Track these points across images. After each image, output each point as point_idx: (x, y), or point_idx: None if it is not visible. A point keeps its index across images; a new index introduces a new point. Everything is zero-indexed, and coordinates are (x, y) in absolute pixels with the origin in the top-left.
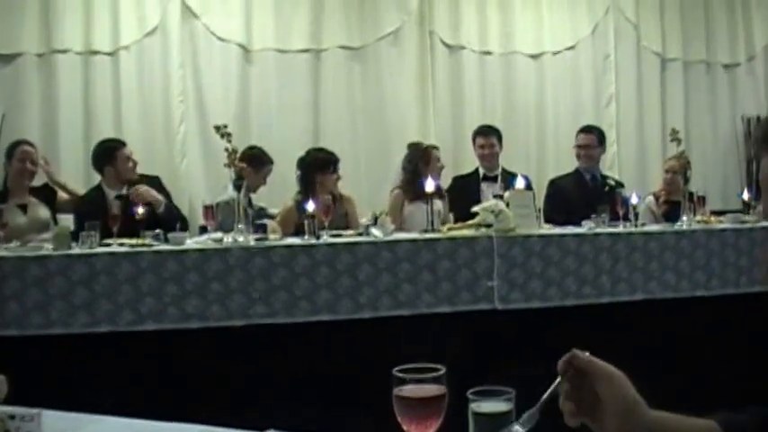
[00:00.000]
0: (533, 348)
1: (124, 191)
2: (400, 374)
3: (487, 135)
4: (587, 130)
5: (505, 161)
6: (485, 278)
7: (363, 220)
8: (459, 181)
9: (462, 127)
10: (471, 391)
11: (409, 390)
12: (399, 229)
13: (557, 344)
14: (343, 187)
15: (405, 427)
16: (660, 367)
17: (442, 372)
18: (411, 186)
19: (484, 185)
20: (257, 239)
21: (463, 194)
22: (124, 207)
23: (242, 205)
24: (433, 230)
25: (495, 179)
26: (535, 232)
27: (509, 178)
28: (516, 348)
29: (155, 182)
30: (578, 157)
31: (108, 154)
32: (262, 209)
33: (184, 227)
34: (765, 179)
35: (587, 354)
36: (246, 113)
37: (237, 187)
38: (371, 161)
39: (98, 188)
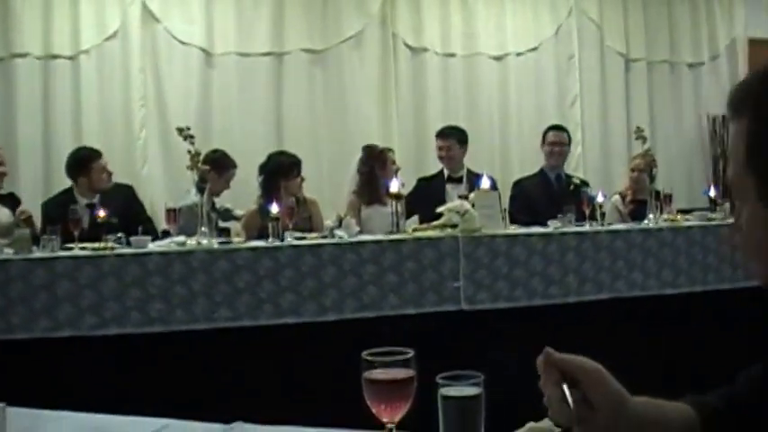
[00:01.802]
0: (501, 349)
1: (96, 200)
2: (369, 358)
3: (446, 137)
4: (558, 127)
5: (470, 162)
6: (450, 279)
7: (328, 222)
8: (423, 182)
9: (426, 129)
10: (440, 375)
11: (378, 373)
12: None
13: (524, 344)
14: (307, 189)
15: (374, 411)
16: (629, 366)
17: (410, 355)
18: (366, 189)
19: (449, 187)
20: (221, 243)
21: (428, 196)
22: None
23: (205, 209)
24: (398, 231)
25: (459, 180)
26: (501, 232)
27: (474, 179)
28: (483, 350)
29: (128, 191)
30: (549, 154)
31: (83, 164)
32: (227, 210)
33: (148, 230)
34: (733, 147)
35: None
36: (208, 117)
37: (201, 190)
38: (334, 163)
39: (68, 193)
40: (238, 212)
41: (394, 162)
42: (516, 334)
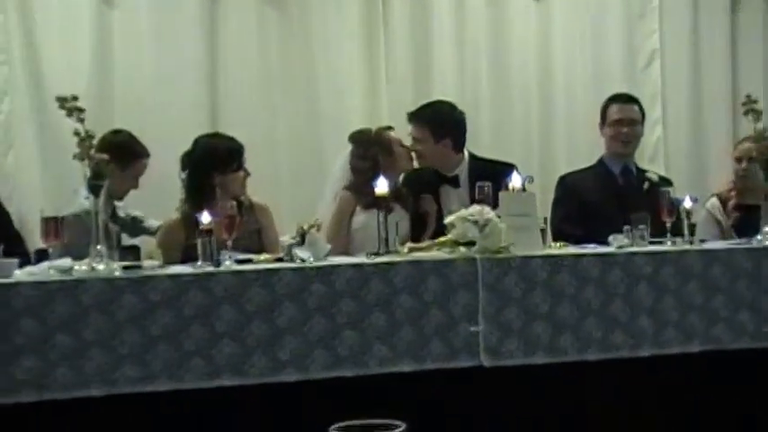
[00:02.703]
0: (537, 425)
1: None
2: None
3: (417, 123)
4: (627, 98)
5: (495, 149)
6: (465, 321)
7: (285, 238)
8: (412, 177)
9: (429, 98)
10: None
11: None
12: (343, 250)
13: (573, 418)
14: (255, 191)
15: None
16: None
17: (400, 430)
18: (369, 187)
19: (444, 190)
20: (126, 268)
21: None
22: None
23: (101, 218)
24: (389, 251)
25: (454, 182)
26: (539, 253)
27: (485, 169)
28: (510, 425)
29: None
30: (613, 138)
31: None
32: (136, 219)
33: (14, 250)
34: None
35: None
36: (107, 82)
37: (94, 190)
38: (296, 153)
39: None
40: (153, 223)
41: (402, 144)
42: (559, 402)
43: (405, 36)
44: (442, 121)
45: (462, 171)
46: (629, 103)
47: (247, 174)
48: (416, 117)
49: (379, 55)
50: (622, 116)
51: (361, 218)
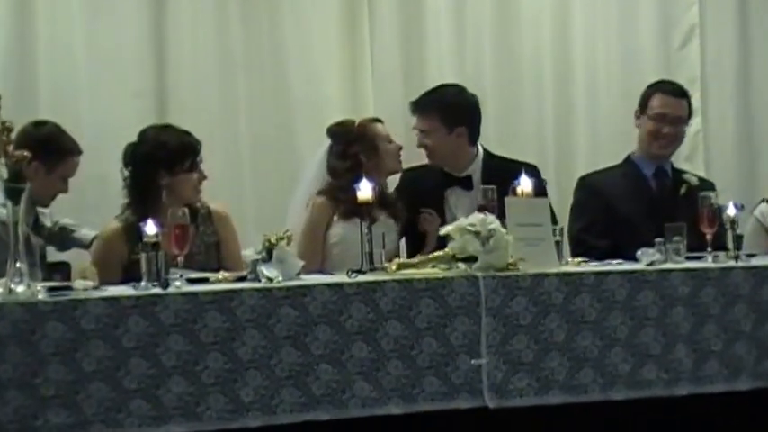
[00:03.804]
0: None
1: None
2: None
3: (423, 112)
4: (676, 90)
5: (502, 148)
6: (465, 353)
7: (248, 252)
8: (410, 178)
9: (424, 88)
10: None
11: None
12: (317, 267)
13: None
14: (213, 196)
15: None
16: None
17: None
18: (348, 193)
19: (451, 193)
20: (52, 290)
21: (419, 202)
22: None
23: (22, 228)
24: (374, 269)
25: (466, 183)
26: (554, 270)
27: (500, 168)
28: None
29: None
30: (653, 136)
31: None
32: (65, 229)
33: None
34: None
35: None
36: (28, 64)
37: (13, 195)
38: (262, 150)
39: None
40: (86, 234)
41: (390, 140)
42: None
43: (393, 12)
44: (453, 107)
45: (476, 171)
46: (678, 96)
47: (203, 176)
48: (422, 105)
49: (362, 33)
50: (668, 111)
51: (339, 229)
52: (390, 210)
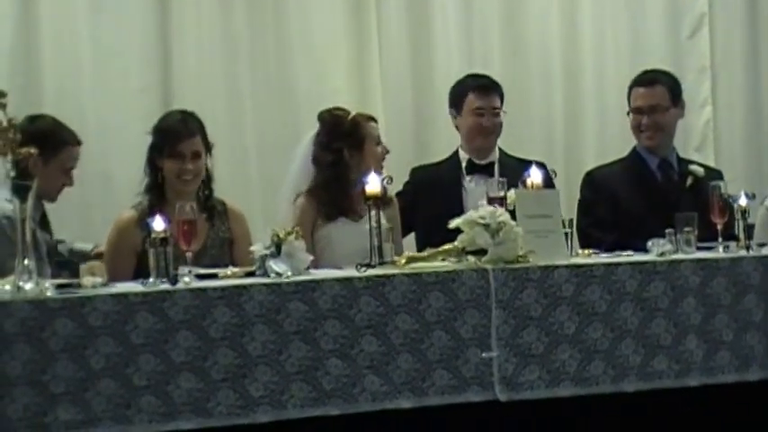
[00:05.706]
0: None
1: None
2: None
3: (488, 93)
4: (648, 79)
5: (508, 141)
6: (475, 346)
7: (257, 247)
8: (422, 174)
9: (432, 86)
10: None
11: None
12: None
13: None
14: (219, 192)
15: None
16: None
17: None
18: (329, 191)
19: (468, 181)
20: (61, 287)
21: (432, 198)
22: None
23: (29, 226)
24: (382, 263)
25: (488, 170)
26: (564, 263)
27: (516, 168)
28: None
29: None
30: (634, 130)
31: None
32: (73, 251)
33: None
34: None
35: None
36: (34, 58)
37: (20, 193)
38: (268, 146)
39: None
40: (81, 246)
41: (379, 142)
42: None
43: (400, 6)
44: (503, 97)
45: (495, 159)
46: (648, 85)
47: (185, 167)
48: (492, 88)
49: (369, 27)
50: (641, 103)
51: (325, 231)
52: (387, 203)
